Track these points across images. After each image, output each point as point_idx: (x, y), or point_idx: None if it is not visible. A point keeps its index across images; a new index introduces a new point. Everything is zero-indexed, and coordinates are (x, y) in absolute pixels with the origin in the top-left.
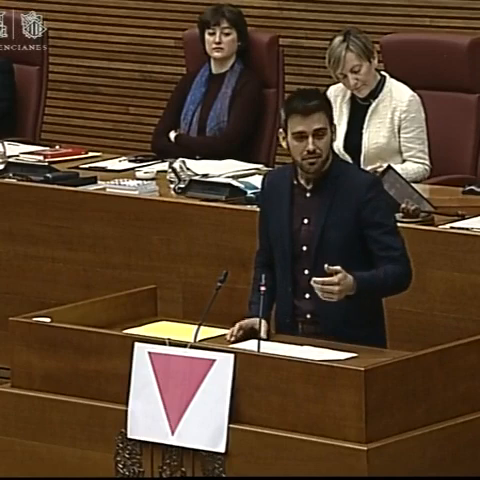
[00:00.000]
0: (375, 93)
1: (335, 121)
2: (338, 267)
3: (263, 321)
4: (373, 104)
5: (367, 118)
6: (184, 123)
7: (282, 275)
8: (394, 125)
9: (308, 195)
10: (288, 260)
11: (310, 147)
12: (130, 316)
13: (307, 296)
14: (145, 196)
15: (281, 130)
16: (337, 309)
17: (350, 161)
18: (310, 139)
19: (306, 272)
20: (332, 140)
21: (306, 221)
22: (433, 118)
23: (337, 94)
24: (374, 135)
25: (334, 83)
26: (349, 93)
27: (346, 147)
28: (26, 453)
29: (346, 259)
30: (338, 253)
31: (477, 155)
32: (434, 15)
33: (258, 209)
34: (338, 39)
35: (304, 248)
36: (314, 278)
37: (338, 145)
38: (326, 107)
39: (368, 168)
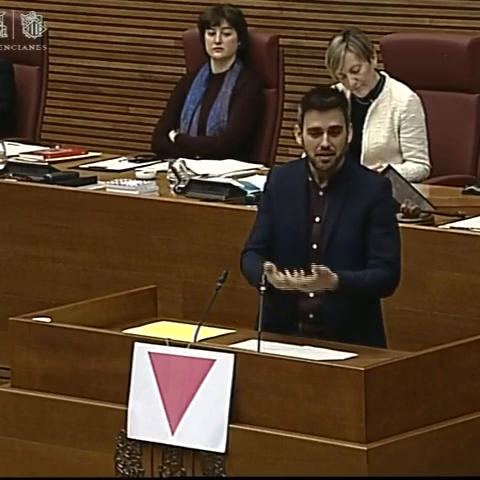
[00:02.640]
0: (375, 93)
1: None
2: (322, 267)
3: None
4: (373, 104)
5: (367, 118)
6: (184, 123)
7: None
8: (394, 125)
9: (321, 194)
10: (299, 257)
11: (324, 143)
12: (130, 316)
13: (311, 295)
14: (145, 196)
15: (297, 126)
16: (340, 309)
17: None
18: (325, 135)
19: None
20: (347, 140)
21: (318, 219)
22: (433, 118)
23: None
24: (374, 135)
25: (334, 83)
26: (349, 93)
27: None
28: (26, 453)
29: (356, 257)
30: (348, 251)
31: (477, 155)
32: (434, 15)
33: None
34: (337, 39)
35: (314, 246)
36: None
37: None
38: (343, 105)
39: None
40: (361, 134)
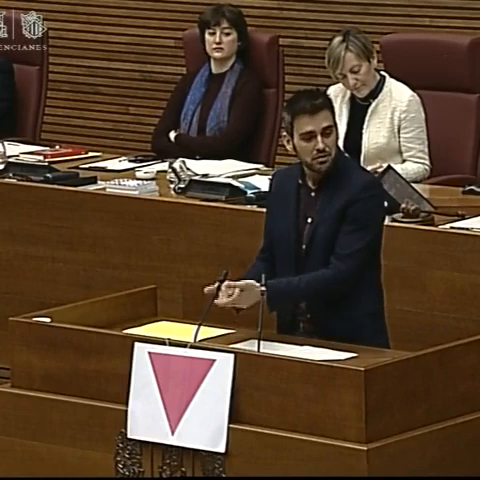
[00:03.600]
0: (375, 93)
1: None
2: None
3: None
4: (373, 104)
5: (367, 118)
6: (184, 123)
7: (285, 274)
8: (394, 125)
9: (313, 195)
10: (292, 259)
11: (320, 145)
12: (130, 316)
13: None
14: (145, 196)
15: (285, 133)
16: (338, 311)
17: None
18: (319, 138)
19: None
20: (338, 139)
21: (309, 220)
22: (433, 118)
23: (337, 94)
24: (374, 135)
25: (334, 83)
26: (349, 93)
27: (346, 147)
28: (26, 453)
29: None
30: (326, 249)
31: (477, 155)
32: (434, 15)
33: (258, 209)
34: (337, 39)
35: (304, 246)
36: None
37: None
38: (330, 105)
39: (368, 168)
40: (361, 134)
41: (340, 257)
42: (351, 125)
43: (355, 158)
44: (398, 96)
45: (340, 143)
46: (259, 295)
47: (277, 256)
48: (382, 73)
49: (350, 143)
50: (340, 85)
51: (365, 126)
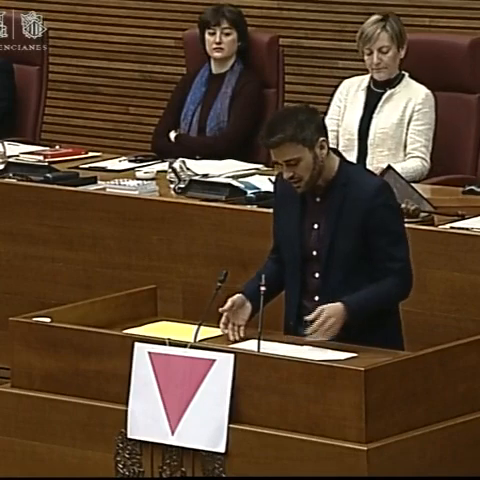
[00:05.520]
0: (392, 84)
1: (348, 110)
2: (318, 309)
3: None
4: (388, 92)
5: (380, 104)
6: (184, 123)
7: (291, 277)
8: (405, 115)
9: (318, 200)
10: (298, 263)
11: (285, 175)
12: (130, 316)
13: (316, 299)
14: (145, 196)
15: None
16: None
17: (356, 148)
18: (284, 168)
19: (317, 275)
20: (316, 158)
21: (316, 226)
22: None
23: (351, 85)
24: (383, 121)
25: (337, 83)
26: (366, 82)
27: (359, 132)
28: (26, 453)
29: (355, 265)
30: (347, 259)
31: (477, 155)
32: (434, 15)
33: (258, 209)
34: (376, 17)
35: (314, 253)
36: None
37: (352, 131)
38: (298, 134)
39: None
40: (371, 119)
41: (396, 272)
42: (366, 111)
43: (363, 142)
44: (415, 91)
45: (355, 128)
46: (341, 316)
47: (284, 259)
48: (403, 72)
49: (363, 129)
50: (356, 78)
51: (376, 111)
